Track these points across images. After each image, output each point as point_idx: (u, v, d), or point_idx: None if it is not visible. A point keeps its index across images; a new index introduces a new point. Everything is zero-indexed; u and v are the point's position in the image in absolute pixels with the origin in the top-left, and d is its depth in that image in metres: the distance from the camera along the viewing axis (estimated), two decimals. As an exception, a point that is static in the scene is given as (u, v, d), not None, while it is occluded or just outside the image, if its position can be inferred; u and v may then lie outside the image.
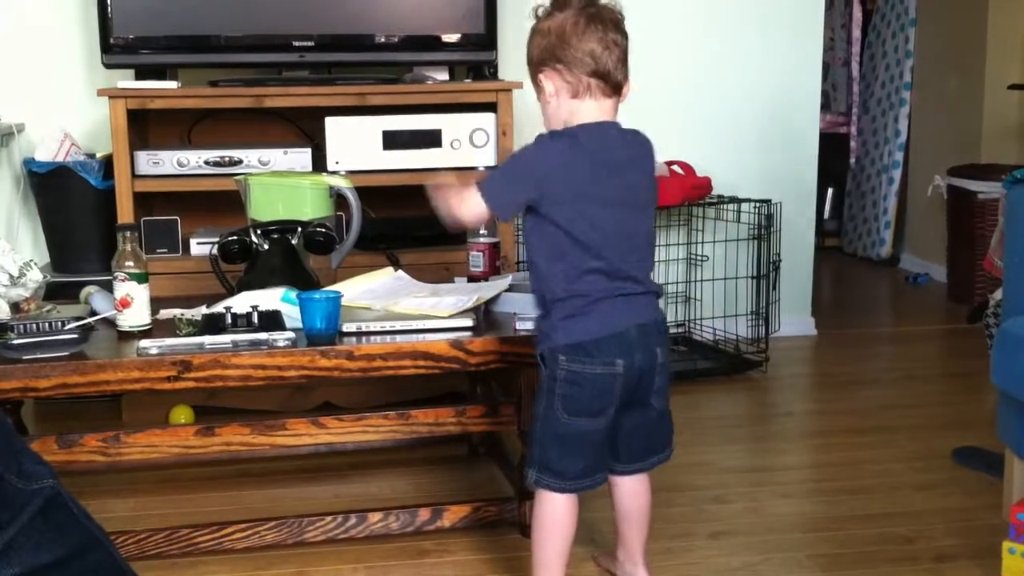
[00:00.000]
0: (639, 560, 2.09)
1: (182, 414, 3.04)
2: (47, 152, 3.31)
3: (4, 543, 0.86)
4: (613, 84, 1.93)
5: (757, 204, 3.69)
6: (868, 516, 2.49)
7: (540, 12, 1.97)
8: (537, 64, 1.95)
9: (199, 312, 2.36)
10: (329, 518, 2.33)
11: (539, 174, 1.90)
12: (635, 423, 2.01)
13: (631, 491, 2.07)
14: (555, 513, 1.97)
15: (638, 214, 1.97)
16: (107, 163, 3.24)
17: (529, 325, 2.17)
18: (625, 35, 1.95)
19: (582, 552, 2.28)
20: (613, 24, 1.92)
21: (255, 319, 2.26)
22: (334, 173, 3.05)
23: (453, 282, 2.72)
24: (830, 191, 5.98)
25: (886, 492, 2.63)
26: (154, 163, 3.19)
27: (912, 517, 2.48)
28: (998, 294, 2.78)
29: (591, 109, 1.93)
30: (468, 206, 1.93)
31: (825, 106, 5.82)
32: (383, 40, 3.37)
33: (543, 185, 1.89)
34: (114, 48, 3.24)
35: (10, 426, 0.94)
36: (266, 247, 2.55)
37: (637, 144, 2.00)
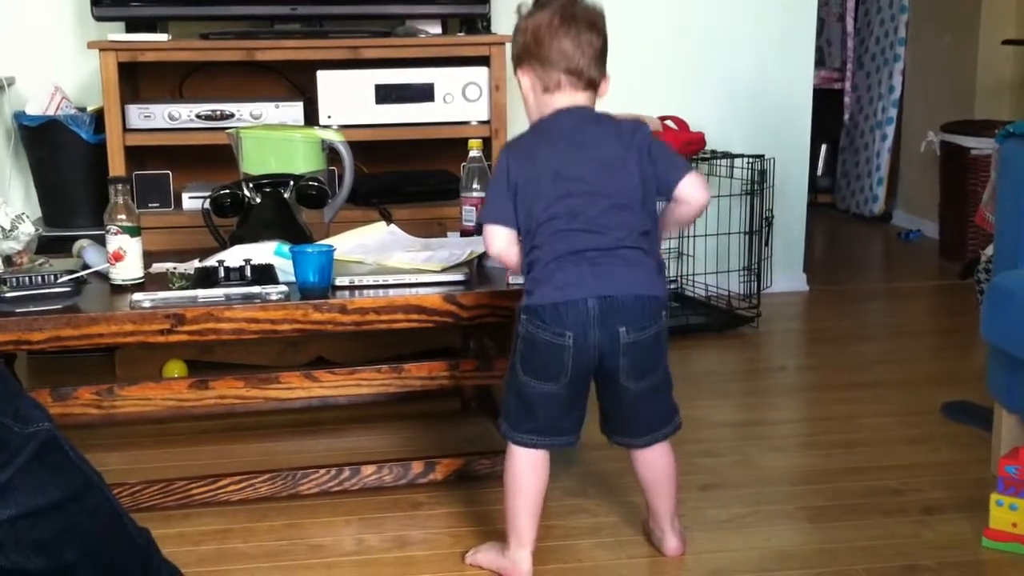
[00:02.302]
0: (666, 527, 2.10)
1: (175, 368, 3.04)
2: (38, 106, 3.30)
3: (1, 484, 0.86)
4: (586, 80, 1.97)
5: (750, 160, 3.68)
6: (857, 469, 2.51)
7: (523, 10, 2.03)
8: (516, 61, 2.03)
9: (192, 266, 2.36)
10: (323, 471, 2.34)
11: (509, 183, 1.95)
12: (615, 399, 2.01)
13: (643, 461, 2.07)
14: (516, 464, 1.99)
15: (610, 178, 1.94)
16: (98, 117, 3.22)
17: (521, 280, 2.17)
18: (601, 34, 1.98)
19: (572, 504, 2.31)
20: (588, 24, 1.96)
21: (248, 273, 2.26)
22: (326, 127, 3.05)
23: (446, 237, 2.72)
24: (823, 147, 5.97)
25: (876, 446, 2.65)
26: (145, 117, 3.18)
27: (901, 470, 2.50)
28: (990, 250, 2.79)
29: (563, 102, 1.97)
30: (486, 240, 2.02)
31: (819, 62, 5.79)
32: (375, -8, 3.35)
33: (516, 189, 1.94)
34: (104, 0, 3.21)
35: (5, 370, 0.94)
36: (258, 201, 2.55)
37: (601, 120, 2.00)
